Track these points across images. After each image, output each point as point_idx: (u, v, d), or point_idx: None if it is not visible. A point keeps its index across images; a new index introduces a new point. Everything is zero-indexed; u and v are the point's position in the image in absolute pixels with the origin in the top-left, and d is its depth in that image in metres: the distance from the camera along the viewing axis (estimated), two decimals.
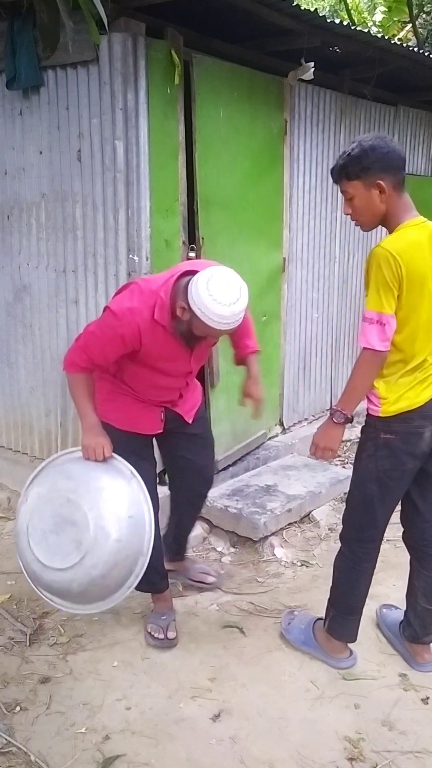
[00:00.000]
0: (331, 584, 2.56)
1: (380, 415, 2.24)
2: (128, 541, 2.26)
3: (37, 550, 2.24)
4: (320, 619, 2.63)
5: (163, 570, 2.75)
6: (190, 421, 2.65)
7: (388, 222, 2.23)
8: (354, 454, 2.45)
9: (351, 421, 2.28)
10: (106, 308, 2.36)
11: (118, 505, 2.27)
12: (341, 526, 2.53)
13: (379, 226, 2.29)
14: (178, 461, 2.78)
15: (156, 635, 2.69)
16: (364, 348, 2.16)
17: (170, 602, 2.84)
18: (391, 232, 2.23)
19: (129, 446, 2.48)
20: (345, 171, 2.19)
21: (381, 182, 2.14)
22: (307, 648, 2.62)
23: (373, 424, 2.30)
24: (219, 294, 2.14)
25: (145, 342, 2.30)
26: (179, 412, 2.61)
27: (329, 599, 2.56)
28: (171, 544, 2.99)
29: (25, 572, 2.38)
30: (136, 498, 2.33)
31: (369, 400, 2.28)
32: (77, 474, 2.32)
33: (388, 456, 2.28)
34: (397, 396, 2.22)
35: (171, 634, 2.70)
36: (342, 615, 2.52)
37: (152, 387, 2.49)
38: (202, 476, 2.85)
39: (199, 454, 2.77)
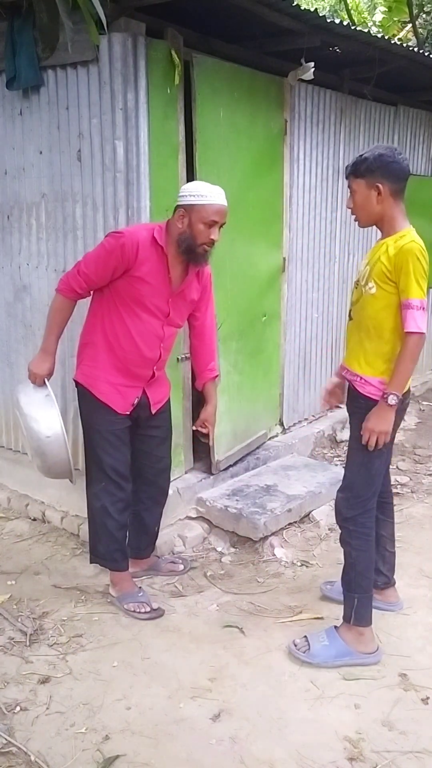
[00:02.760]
0: (347, 574, 2.62)
1: None
2: (51, 450, 2.76)
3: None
4: (335, 627, 2.64)
5: (126, 552, 2.95)
6: (153, 411, 2.87)
7: (387, 224, 2.50)
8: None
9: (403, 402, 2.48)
10: (107, 235, 2.69)
11: (41, 426, 2.74)
12: (342, 512, 2.66)
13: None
14: (138, 456, 2.94)
15: (142, 610, 2.86)
16: (414, 333, 2.35)
17: (134, 583, 3.01)
18: (388, 234, 2.49)
19: (107, 423, 2.77)
20: (354, 168, 2.49)
21: (380, 185, 2.44)
22: (342, 660, 2.55)
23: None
24: (199, 182, 2.72)
25: (140, 257, 2.59)
26: (149, 397, 2.83)
27: (349, 588, 2.61)
28: (133, 541, 3.04)
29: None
30: (53, 420, 2.74)
31: (370, 385, 2.50)
32: (26, 398, 2.81)
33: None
34: None
35: (155, 605, 2.90)
36: (365, 595, 2.60)
37: (135, 347, 2.70)
38: (159, 468, 3.01)
39: (157, 447, 2.99)
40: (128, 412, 2.80)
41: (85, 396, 2.80)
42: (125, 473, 2.84)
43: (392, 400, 2.40)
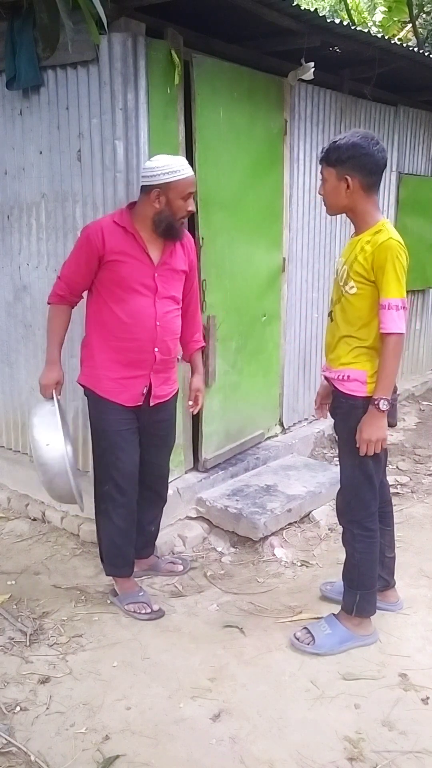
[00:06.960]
0: (349, 573, 2.64)
1: (368, 394, 2.44)
2: (51, 460, 2.69)
3: None
4: (334, 614, 2.69)
5: (128, 557, 2.94)
6: (152, 403, 2.80)
7: (359, 218, 2.44)
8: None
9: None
10: None
11: (44, 437, 2.70)
12: (345, 515, 2.65)
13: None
14: (139, 461, 2.92)
15: (143, 611, 2.86)
16: (393, 334, 2.31)
17: (136, 583, 3.01)
18: (361, 228, 2.43)
19: (114, 423, 2.76)
20: (326, 156, 2.41)
21: (349, 178, 2.37)
22: (347, 645, 2.61)
23: (360, 405, 2.46)
24: (164, 156, 2.65)
25: (107, 240, 2.61)
26: (152, 387, 2.77)
27: (351, 585, 2.64)
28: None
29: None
30: (56, 434, 2.69)
31: (355, 381, 2.45)
32: (33, 410, 2.81)
33: None
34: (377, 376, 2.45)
35: (155, 607, 2.89)
36: (369, 591, 2.63)
37: (128, 331, 2.67)
38: (157, 476, 3.04)
39: (155, 455, 2.98)
40: (139, 404, 2.77)
41: (90, 397, 2.80)
42: (131, 476, 2.82)
43: (383, 405, 2.37)
